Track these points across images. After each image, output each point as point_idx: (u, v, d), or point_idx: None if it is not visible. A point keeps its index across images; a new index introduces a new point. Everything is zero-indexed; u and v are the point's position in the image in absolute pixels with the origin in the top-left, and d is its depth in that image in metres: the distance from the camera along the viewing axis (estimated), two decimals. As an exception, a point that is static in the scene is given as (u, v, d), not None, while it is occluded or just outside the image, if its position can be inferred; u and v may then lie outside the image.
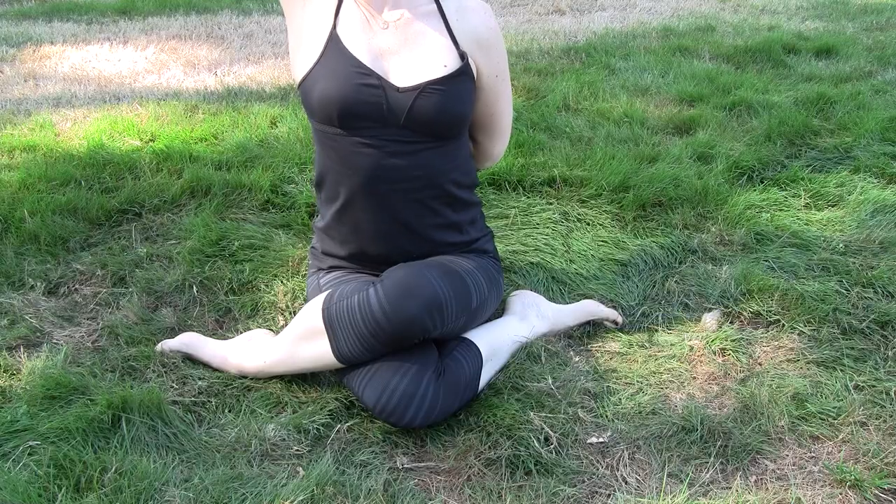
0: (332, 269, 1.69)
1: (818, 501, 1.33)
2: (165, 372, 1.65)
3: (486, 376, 1.56)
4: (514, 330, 1.70)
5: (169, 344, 1.70)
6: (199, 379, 1.62)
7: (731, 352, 1.73)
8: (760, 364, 1.70)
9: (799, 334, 1.77)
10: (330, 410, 1.53)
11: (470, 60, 1.56)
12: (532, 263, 2.07)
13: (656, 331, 1.84)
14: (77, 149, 2.72)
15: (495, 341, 1.63)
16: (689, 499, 1.33)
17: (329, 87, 1.51)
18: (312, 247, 1.77)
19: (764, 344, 1.76)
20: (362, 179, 1.56)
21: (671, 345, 1.78)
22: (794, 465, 1.42)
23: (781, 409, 1.53)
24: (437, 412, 1.45)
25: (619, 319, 1.84)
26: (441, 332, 1.50)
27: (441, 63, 1.52)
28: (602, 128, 2.95)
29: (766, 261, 2.06)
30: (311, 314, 1.51)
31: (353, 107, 1.50)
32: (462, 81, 1.55)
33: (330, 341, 1.47)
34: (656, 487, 1.36)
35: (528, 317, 1.76)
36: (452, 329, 1.54)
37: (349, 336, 1.45)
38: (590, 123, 3.02)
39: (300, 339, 1.53)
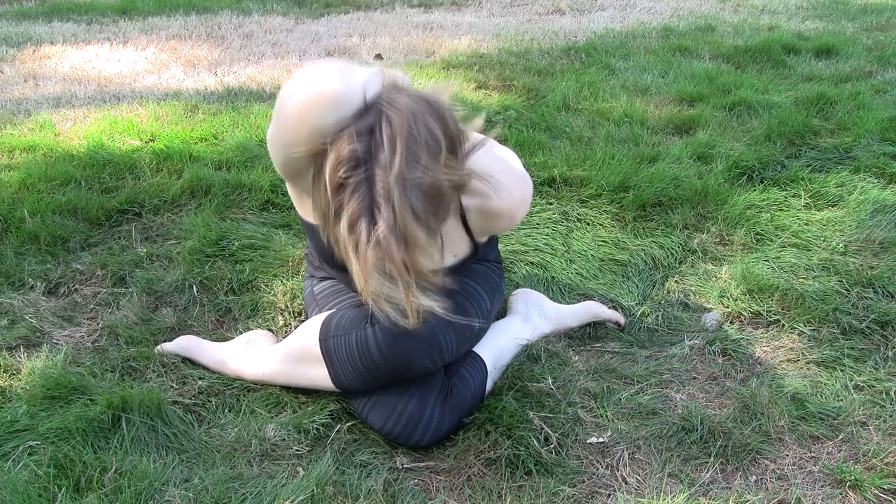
0: (325, 278, 1.68)
1: (818, 501, 1.33)
2: (165, 372, 1.65)
3: (490, 384, 1.56)
4: (517, 332, 1.70)
5: (166, 347, 1.70)
6: (199, 379, 1.62)
7: (731, 352, 1.73)
8: (760, 364, 1.70)
9: (799, 334, 1.77)
10: (330, 410, 1.53)
11: (483, 239, 1.52)
12: (532, 263, 2.07)
13: (656, 331, 1.84)
14: (77, 149, 2.72)
15: (499, 348, 1.62)
16: (689, 499, 1.33)
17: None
18: (308, 252, 1.75)
19: (764, 344, 1.76)
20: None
21: (671, 345, 1.78)
22: (794, 465, 1.42)
23: (781, 409, 1.53)
24: (444, 431, 1.44)
25: (622, 321, 1.84)
26: (443, 365, 1.48)
27: (452, 254, 1.47)
28: (602, 128, 2.95)
29: (766, 261, 2.06)
30: (308, 340, 1.48)
31: None
32: (472, 256, 1.52)
33: (328, 370, 1.46)
34: (656, 487, 1.36)
35: (531, 317, 1.75)
36: (455, 359, 1.52)
37: (347, 371, 1.43)
38: (590, 123, 3.01)
39: (298, 362, 1.51)
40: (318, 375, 1.48)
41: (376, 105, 1.03)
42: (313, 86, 1.03)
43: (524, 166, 1.57)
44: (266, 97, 3.39)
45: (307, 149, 1.08)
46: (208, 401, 1.57)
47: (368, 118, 1.02)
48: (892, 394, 1.56)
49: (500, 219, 1.40)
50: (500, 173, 1.32)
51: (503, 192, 1.35)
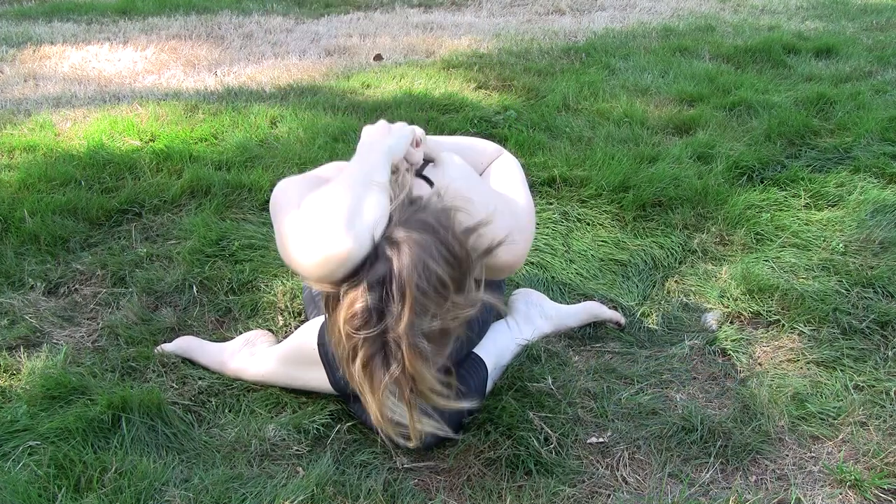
0: None
1: (818, 501, 1.33)
2: (165, 372, 1.65)
3: (490, 384, 1.56)
4: (517, 332, 1.70)
5: (166, 348, 1.70)
6: (199, 379, 1.62)
7: (731, 352, 1.73)
8: (760, 364, 1.70)
9: (799, 334, 1.77)
10: (330, 411, 1.53)
11: None
12: (532, 263, 2.07)
13: (656, 331, 1.84)
14: (77, 149, 2.72)
15: (500, 348, 1.62)
16: (689, 499, 1.33)
17: None
18: None
19: (764, 344, 1.76)
20: None
21: (671, 345, 1.78)
22: (794, 465, 1.42)
23: (781, 409, 1.53)
24: (444, 432, 1.44)
25: (622, 321, 1.84)
26: None
27: None
28: (602, 128, 2.95)
29: (766, 261, 2.06)
30: (307, 344, 1.48)
31: None
32: None
33: (327, 374, 1.46)
34: (656, 487, 1.36)
35: (532, 317, 1.75)
36: (456, 361, 1.51)
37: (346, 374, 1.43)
38: (590, 123, 3.01)
39: (297, 365, 1.52)
40: (316, 378, 1.48)
41: (384, 252, 1.03)
42: (323, 247, 1.02)
43: (525, 169, 1.56)
44: (266, 97, 3.39)
45: (317, 288, 1.10)
46: (208, 401, 1.57)
47: (378, 269, 1.02)
48: (892, 394, 1.56)
49: (503, 270, 1.42)
50: (504, 228, 1.32)
51: (507, 247, 1.35)
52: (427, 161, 1.43)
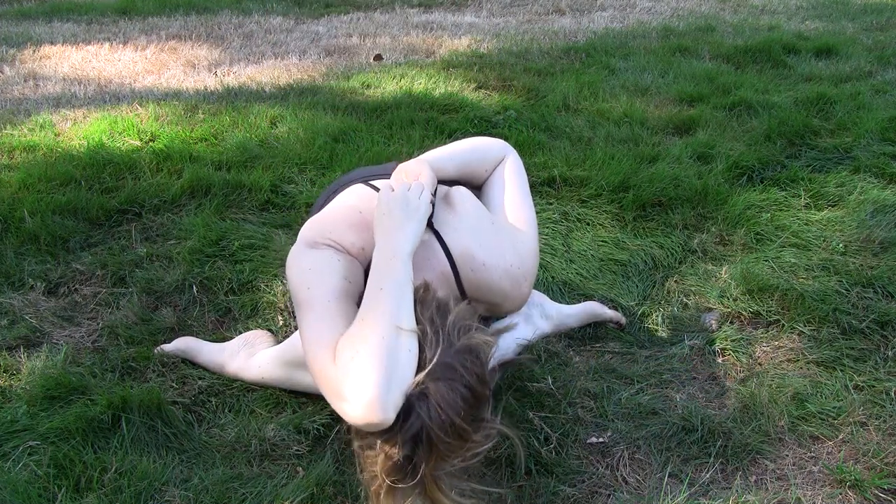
0: None
1: (818, 501, 1.33)
2: (165, 372, 1.65)
3: (490, 384, 1.56)
4: (518, 332, 1.70)
5: (166, 349, 1.70)
6: (199, 379, 1.62)
7: (731, 352, 1.73)
8: (760, 364, 1.70)
9: (799, 334, 1.77)
10: (330, 411, 1.53)
11: None
12: (532, 263, 2.07)
13: (656, 331, 1.84)
14: (77, 149, 2.72)
15: (501, 349, 1.62)
16: (689, 499, 1.33)
17: None
18: None
19: (764, 344, 1.76)
20: None
21: (671, 345, 1.78)
22: (794, 465, 1.42)
23: (781, 409, 1.53)
24: None
25: (623, 321, 1.84)
26: None
27: None
28: (602, 128, 2.95)
29: (766, 261, 2.06)
30: None
31: None
32: None
33: None
34: (656, 487, 1.36)
35: (533, 317, 1.75)
36: None
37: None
38: (590, 123, 3.01)
39: (296, 368, 1.52)
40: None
41: (415, 407, 1.12)
42: (362, 416, 1.10)
43: (525, 170, 1.56)
44: (266, 97, 3.39)
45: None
46: (208, 401, 1.57)
47: (410, 427, 1.11)
48: (892, 394, 1.56)
49: (509, 312, 1.47)
50: (511, 284, 1.36)
51: (511, 299, 1.40)
52: (435, 190, 1.41)
